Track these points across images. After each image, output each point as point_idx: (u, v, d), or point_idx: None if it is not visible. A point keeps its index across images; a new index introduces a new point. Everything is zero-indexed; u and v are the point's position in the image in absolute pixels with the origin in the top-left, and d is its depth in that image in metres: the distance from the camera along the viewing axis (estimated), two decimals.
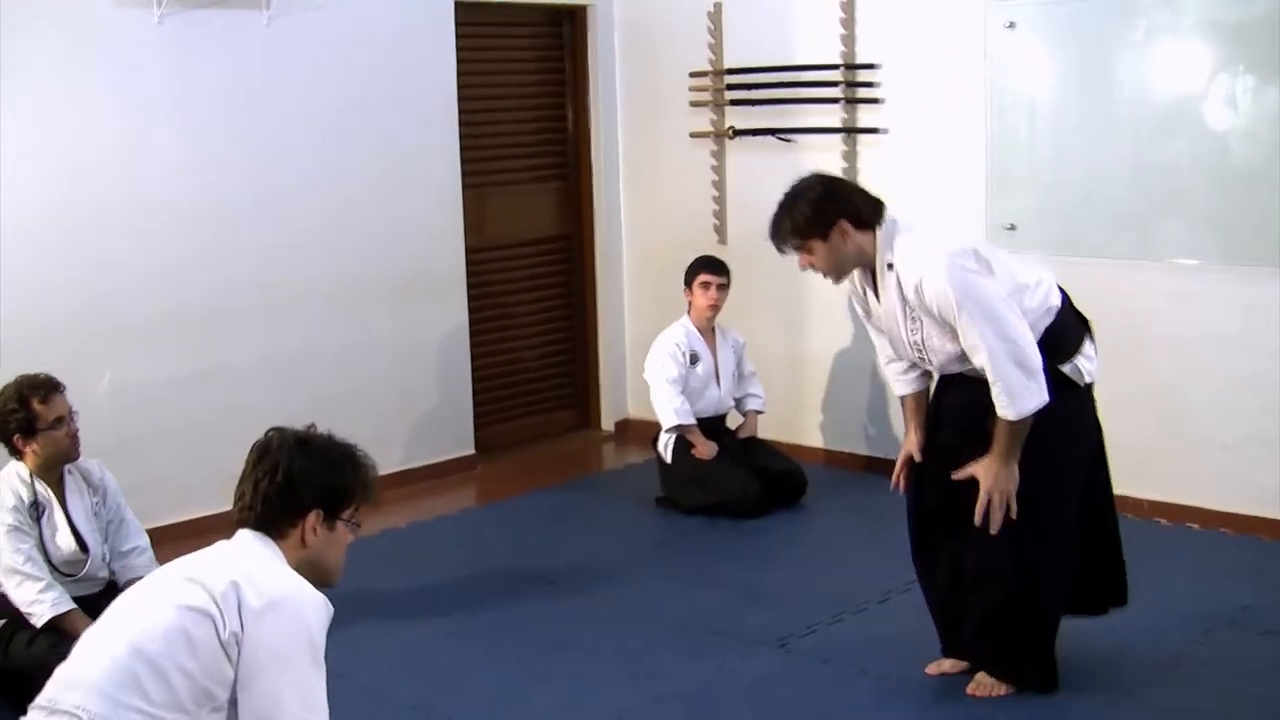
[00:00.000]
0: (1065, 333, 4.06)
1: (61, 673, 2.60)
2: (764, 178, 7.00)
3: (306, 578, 2.70)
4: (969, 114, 6.29)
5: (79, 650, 2.64)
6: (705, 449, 6.24)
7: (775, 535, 5.92)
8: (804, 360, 7.05)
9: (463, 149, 6.97)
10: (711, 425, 6.41)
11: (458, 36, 6.87)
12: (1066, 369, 4.07)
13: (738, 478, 6.17)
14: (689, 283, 6.42)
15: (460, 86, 6.92)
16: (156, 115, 5.85)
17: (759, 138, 7.02)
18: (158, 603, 2.59)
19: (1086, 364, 4.10)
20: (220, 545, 2.75)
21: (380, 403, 6.70)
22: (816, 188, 4.09)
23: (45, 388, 4.31)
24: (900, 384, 4.39)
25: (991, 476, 3.97)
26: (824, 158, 6.76)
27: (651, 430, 6.58)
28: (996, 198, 6.25)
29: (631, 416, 7.80)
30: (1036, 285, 4.06)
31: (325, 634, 2.65)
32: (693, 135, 7.29)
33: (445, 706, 4.34)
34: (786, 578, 5.28)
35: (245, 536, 2.74)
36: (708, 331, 6.46)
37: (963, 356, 3.96)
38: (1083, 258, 5.99)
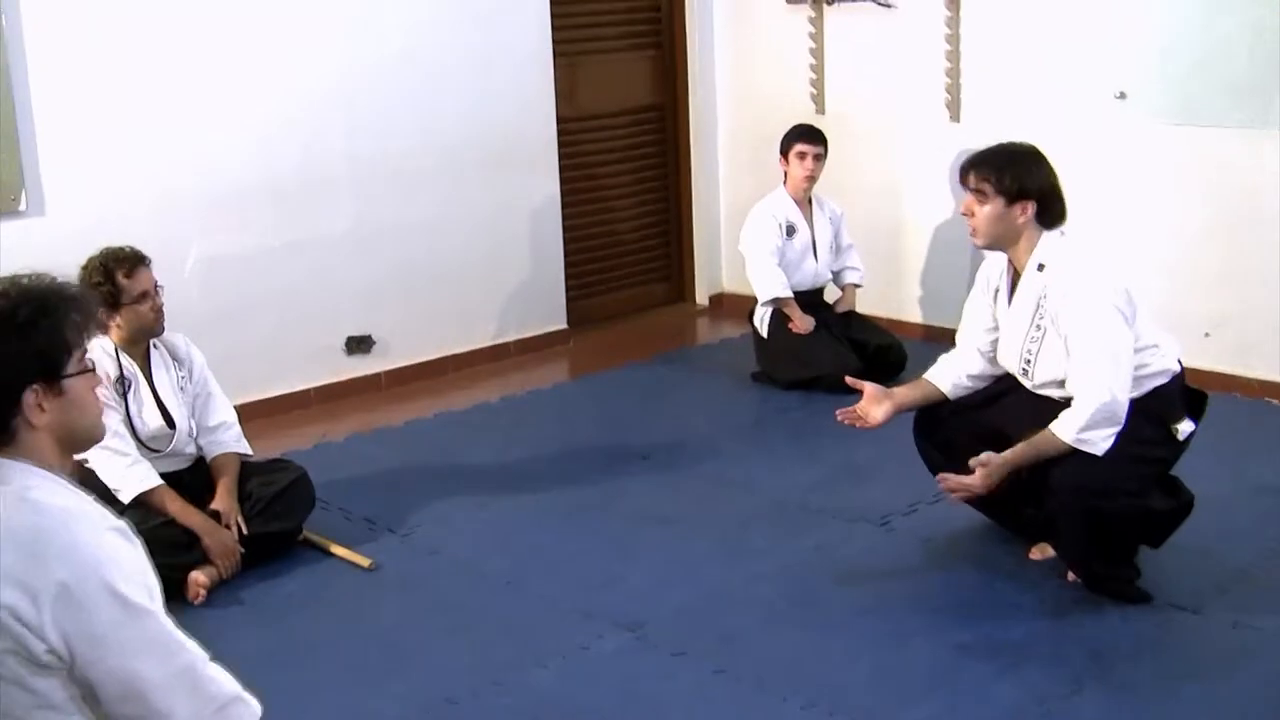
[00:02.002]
0: (1167, 401, 3.98)
1: None
2: (863, 45, 6.83)
3: (68, 451, 2.33)
4: None
5: None
6: (803, 323, 6.10)
7: None
8: (902, 233, 6.85)
9: (554, 17, 6.78)
10: (809, 299, 6.26)
11: None
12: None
13: (836, 352, 6.02)
14: (785, 152, 6.23)
15: None
16: None
17: (858, 3, 6.76)
18: None
19: (1180, 430, 3.99)
20: None
21: (471, 275, 6.61)
22: (1032, 159, 4.02)
23: (130, 261, 4.26)
24: (943, 374, 4.30)
25: (988, 475, 3.92)
26: (926, 22, 6.53)
27: (747, 304, 6.44)
28: (1106, 63, 5.97)
29: (726, 290, 7.66)
30: (1159, 348, 3.99)
31: (129, 568, 2.22)
32: (789, 1, 7.04)
33: (537, 582, 4.29)
34: (887, 455, 5.12)
35: None
36: (804, 202, 6.28)
37: (1064, 384, 3.92)
38: (1196, 127, 5.74)
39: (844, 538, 4.54)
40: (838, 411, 4.34)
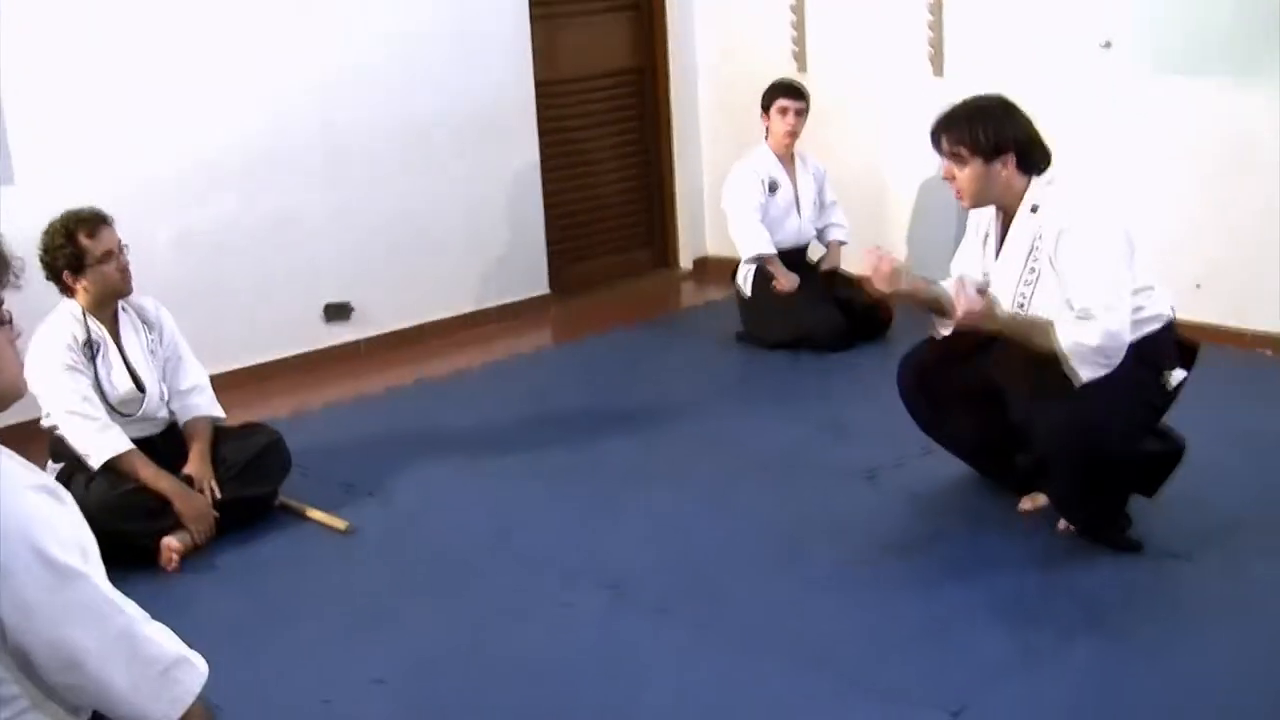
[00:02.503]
0: (1161, 346, 3.88)
1: None
2: (844, 1, 6.71)
3: None
4: None
5: None
6: (786, 280, 6.01)
7: (860, 369, 5.69)
8: (887, 191, 6.76)
9: None
10: (792, 258, 6.17)
11: None
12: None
13: (821, 310, 5.93)
14: (766, 108, 6.13)
15: None
16: None
17: None
18: None
19: (1173, 379, 3.89)
20: None
21: (451, 242, 6.52)
22: (1002, 110, 3.91)
23: (92, 221, 4.14)
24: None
25: (985, 308, 3.85)
26: None
27: (731, 267, 6.34)
28: (1091, 13, 5.88)
29: (710, 254, 7.56)
30: (1154, 291, 3.89)
31: (60, 530, 2.07)
32: None
33: (517, 542, 4.21)
34: (874, 412, 5.05)
35: None
36: (787, 159, 6.18)
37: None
38: (1184, 76, 5.65)
39: (830, 492, 4.46)
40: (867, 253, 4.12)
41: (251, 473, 4.38)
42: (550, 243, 6.99)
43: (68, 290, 4.19)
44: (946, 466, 4.45)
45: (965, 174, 3.88)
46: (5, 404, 2.18)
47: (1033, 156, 3.89)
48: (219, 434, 4.44)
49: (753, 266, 6.06)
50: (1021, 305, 3.92)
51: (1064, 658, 3.39)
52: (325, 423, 5.34)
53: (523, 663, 3.50)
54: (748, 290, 6.09)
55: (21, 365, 2.22)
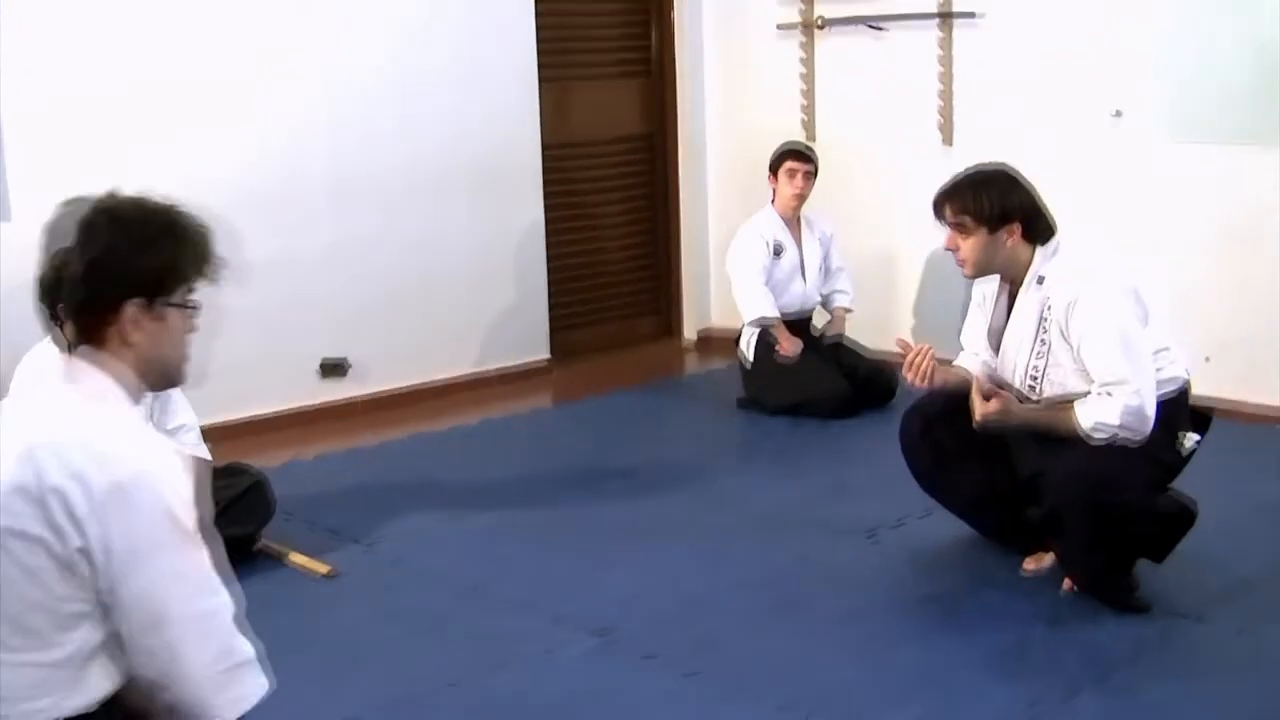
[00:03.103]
0: (1176, 410, 3.79)
1: None
2: (854, 69, 6.72)
3: (150, 383, 2.26)
4: None
5: None
6: (790, 345, 5.90)
7: (864, 435, 5.57)
8: (895, 261, 6.68)
9: (542, 41, 6.66)
10: (797, 324, 6.07)
11: None
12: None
13: (825, 376, 5.83)
14: (774, 170, 6.07)
15: None
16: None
17: (849, 27, 6.66)
18: None
19: (1187, 442, 3.82)
20: (31, 406, 2.20)
21: (452, 301, 6.44)
22: (1006, 180, 3.84)
23: None
24: (968, 362, 4.11)
25: (1001, 410, 3.77)
26: (918, 46, 6.42)
27: (735, 339, 6.23)
28: (1101, 82, 5.84)
29: (715, 326, 7.47)
30: (1170, 353, 3.84)
31: (186, 495, 2.12)
32: (780, 27, 6.93)
33: (504, 589, 4.07)
34: (876, 474, 4.93)
35: (58, 373, 2.20)
36: (793, 222, 6.11)
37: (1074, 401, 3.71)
38: (1195, 144, 5.60)
39: (829, 549, 4.33)
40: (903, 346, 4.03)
41: (233, 513, 4.25)
42: (552, 307, 6.91)
43: (60, 324, 4.09)
44: (949, 527, 4.32)
45: (969, 244, 3.80)
46: (167, 384, 2.32)
47: (1037, 226, 3.81)
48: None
49: (756, 331, 5.96)
50: (1035, 379, 3.82)
51: (1068, 710, 3.25)
52: (315, 472, 5.23)
53: (503, 702, 3.37)
54: (750, 356, 5.98)
55: (190, 356, 2.32)
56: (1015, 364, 3.86)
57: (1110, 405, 3.62)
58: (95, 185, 5.11)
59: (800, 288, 6.10)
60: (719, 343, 7.24)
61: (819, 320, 6.28)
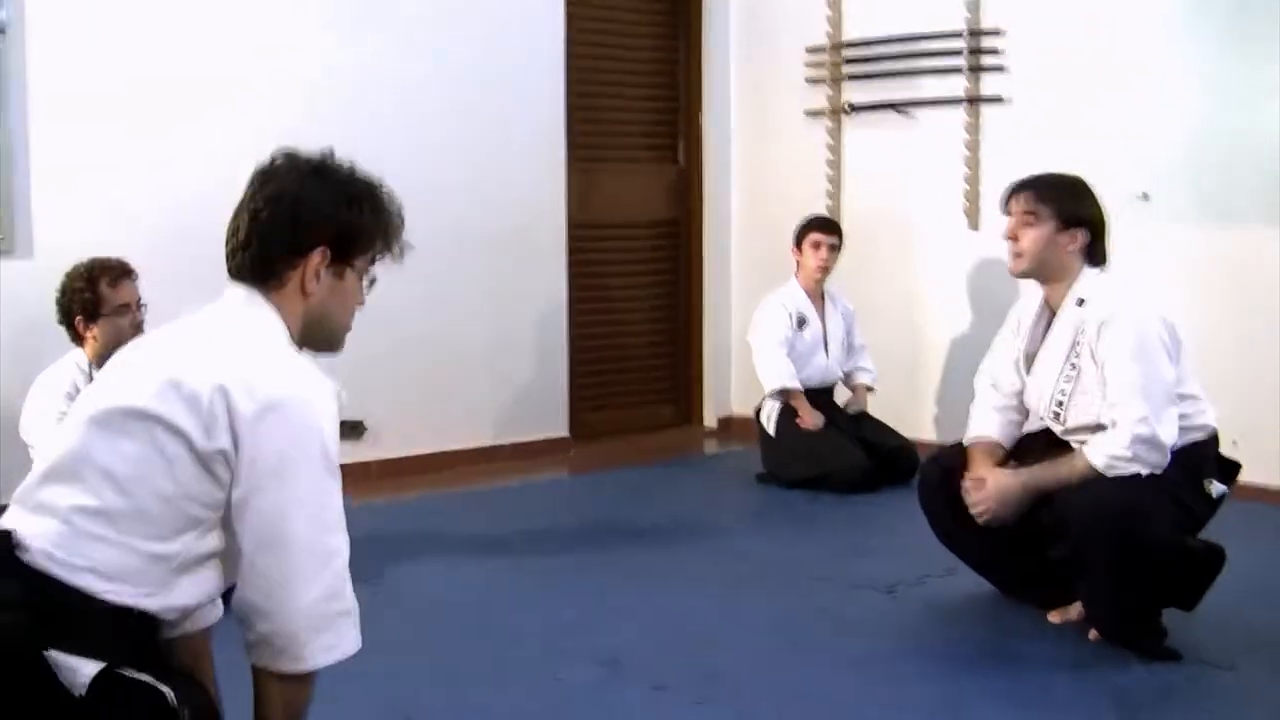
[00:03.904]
0: (1203, 457, 3.74)
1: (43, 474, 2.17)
2: (880, 155, 6.73)
3: (309, 341, 2.31)
4: (1098, 76, 5.90)
5: (51, 456, 2.18)
6: (811, 418, 5.82)
7: (884, 508, 5.46)
8: (920, 348, 6.61)
9: (572, 124, 6.70)
10: (818, 398, 5.99)
11: (567, 9, 6.65)
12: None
13: (845, 449, 5.73)
14: (798, 242, 6.05)
15: (571, 59, 6.69)
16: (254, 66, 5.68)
17: (876, 113, 6.68)
18: (128, 416, 2.12)
19: (1213, 490, 3.75)
20: (205, 321, 2.28)
21: (472, 373, 6.38)
22: (1087, 189, 3.90)
23: (116, 271, 4.13)
24: (986, 422, 4.01)
25: (1001, 492, 3.72)
26: (945, 130, 6.43)
27: (756, 428, 6.16)
28: (1128, 165, 5.82)
29: (735, 414, 7.39)
30: (1200, 401, 3.78)
31: (337, 434, 2.20)
32: (808, 113, 6.95)
33: (510, 621, 3.97)
34: (897, 538, 4.83)
35: (235, 299, 2.29)
36: (816, 295, 6.07)
37: (1099, 428, 3.65)
38: (1225, 225, 5.56)
39: (846, 601, 4.21)
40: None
41: None
42: (572, 386, 6.85)
43: (78, 338, 4.13)
44: (970, 584, 4.20)
45: (1033, 235, 3.76)
46: (323, 345, 2.37)
47: (1098, 246, 3.80)
48: None
49: (777, 404, 5.89)
50: (1060, 404, 3.76)
51: None
52: None
53: (503, 717, 3.24)
54: (771, 428, 5.90)
55: (350, 322, 2.41)
56: (1043, 388, 3.78)
57: (1118, 437, 3.56)
58: (111, 225, 5.14)
59: (822, 361, 6.04)
60: (739, 428, 7.15)
61: (840, 398, 6.20)
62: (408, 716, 3.28)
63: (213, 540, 2.16)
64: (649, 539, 4.97)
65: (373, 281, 2.40)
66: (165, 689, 2.09)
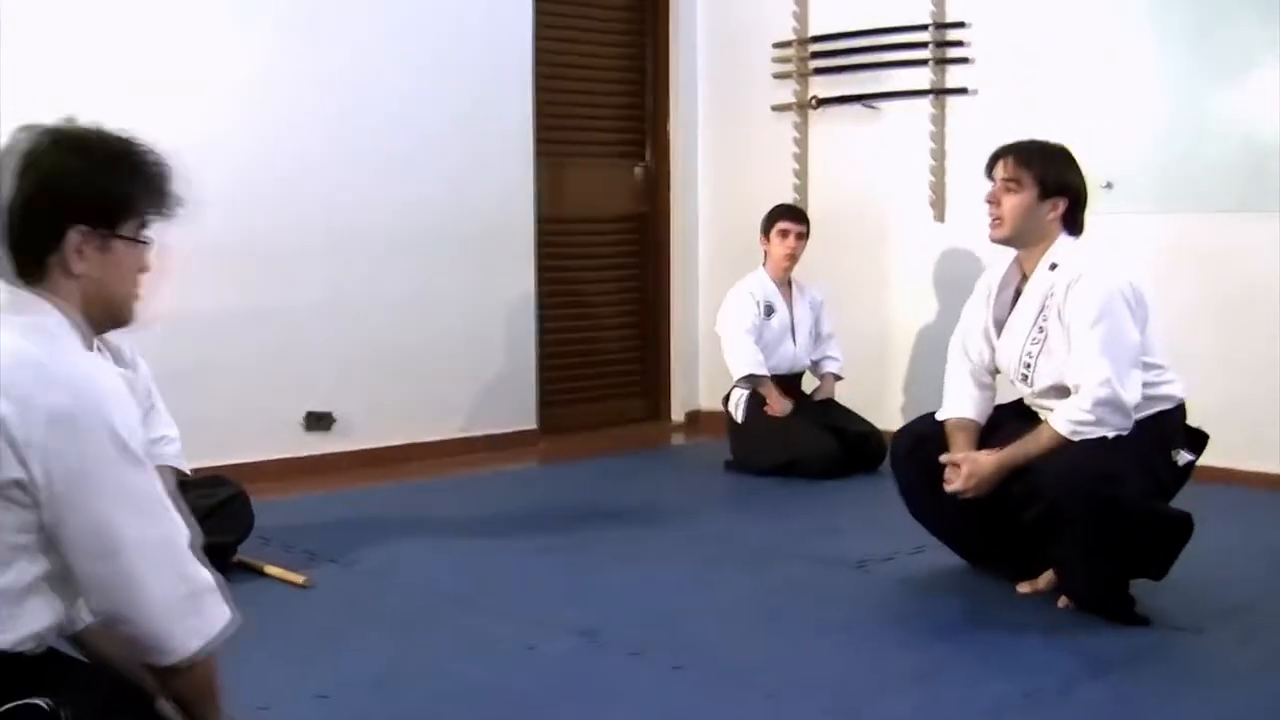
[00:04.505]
0: (1169, 426, 3.79)
1: None
2: (847, 148, 6.77)
3: (96, 321, 2.13)
4: (1063, 67, 5.96)
5: None
6: (779, 404, 5.86)
7: (853, 494, 5.50)
8: (886, 339, 6.66)
9: (540, 118, 6.73)
10: (786, 385, 6.03)
11: (535, 5, 6.68)
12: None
13: (814, 435, 5.77)
14: (766, 231, 6.09)
15: (538, 53, 6.71)
16: (231, 52, 5.67)
17: (842, 107, 6.73)
18: None
19: (1180, 459, 3.80)
20: None
21: (441, 363, 6.38)
22: (1070, 158, 3.92)
23: None
24: (961, 399, 4.03)
25: (979, 474, 3.76)
26: (911, 123, 6.48)
27: (724, 422, 6.18)
28: (1093, 156, 5.86)
29: (704, 408, 7.42)
30: (1166, 371, 3.82)
31: (132, 421, 2.03)
32: (774, 108, 7.00)
33: (486, 598, 3.98)
34: (866, 519, 4.88)
35: (3, 307, 2.08)
36: (784, 284, 6.11)
37: (1066, 391, 3.70)
38: (1187, 212, 5.63)
39: (818, 575, 4.24)
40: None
41: (212, 522, 4.15)
42: (541, 380, 6.86)
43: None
44: (940, 560, 4.24)
45: (1014, 202, 3.80)
46: (113, 323, 2.18)
47: (1078, 214, 3.85)
48: (182, 483, 4.23)
49: (745, 392, 5.92)
50: (1028, 366, 3.80)
51: (1064, 701, 3.14)
52: (296, 508, 5.11)
53: (481, 685, 3.25)
54: (740, 416, 5.92)
55: (141, 296, 2.20)
56: (1012, 352, 3.83)
57: (1079, 401, 3.61)
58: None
59: (790, 349, 6.08)
60: (707, 422, 7.18)
61: (807, 386, 6.23)
62: (378, 682, 3.27)
63: (45, 561, 2.03)
64: (621, 521, 4.99)
65: (147, 243, 2.17)
66: (40, 701, 1.98)
